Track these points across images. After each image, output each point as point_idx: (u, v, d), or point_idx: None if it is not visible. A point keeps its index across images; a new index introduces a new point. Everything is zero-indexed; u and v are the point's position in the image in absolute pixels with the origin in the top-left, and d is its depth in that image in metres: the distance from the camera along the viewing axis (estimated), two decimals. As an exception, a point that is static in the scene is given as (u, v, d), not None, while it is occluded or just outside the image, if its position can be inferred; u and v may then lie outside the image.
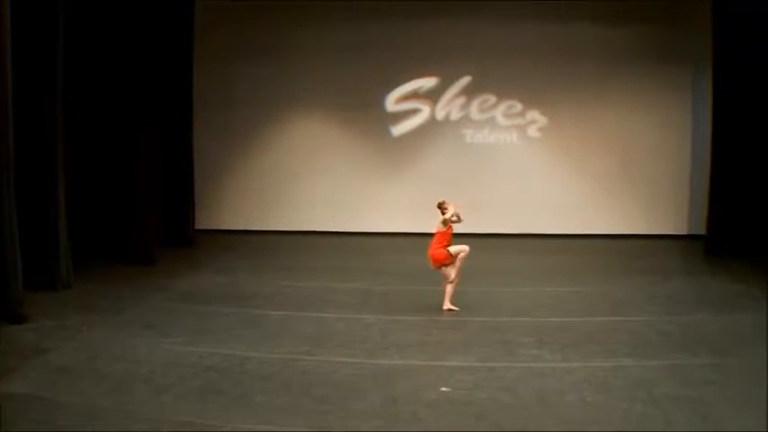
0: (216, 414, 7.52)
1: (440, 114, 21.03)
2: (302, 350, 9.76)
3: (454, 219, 11.98)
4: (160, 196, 17.04)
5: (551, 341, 10.18)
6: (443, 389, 8.27)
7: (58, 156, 13.13)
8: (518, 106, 20.90)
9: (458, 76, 20.91)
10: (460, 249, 11.85)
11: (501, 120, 20.93)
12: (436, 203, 12.20)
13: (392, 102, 21.08)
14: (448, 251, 11.79)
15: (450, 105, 20.97)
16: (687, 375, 8.71)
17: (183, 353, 9.54)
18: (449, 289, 11.88)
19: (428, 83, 20.99)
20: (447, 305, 11.85)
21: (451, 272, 11.83)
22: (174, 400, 7.86)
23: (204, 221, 20.13)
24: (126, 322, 11.16)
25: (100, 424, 7.22)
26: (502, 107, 20.91)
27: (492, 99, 20.90)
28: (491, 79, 20.77)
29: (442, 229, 11.92)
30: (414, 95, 21.04)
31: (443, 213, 11.97)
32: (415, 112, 21.05)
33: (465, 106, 20.95)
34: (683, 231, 20.47)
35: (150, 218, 16.38)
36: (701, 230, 18.82)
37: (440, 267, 11.90)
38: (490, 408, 7.72)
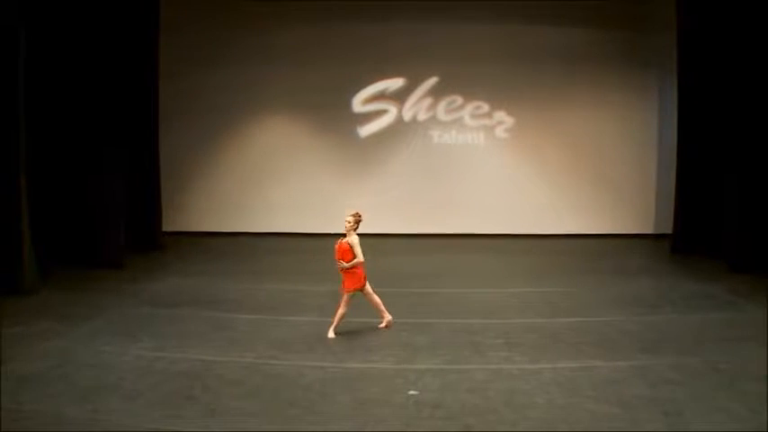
0: (185, 420, 7.50)
1: (407, 115, 21.04)
2: (271, 354, 9.75)
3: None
4: (127, 200, 16.78)
5: (520, 342, 10.24)
6: (412, 392, 8.31)
7: (20, 159, 13.01)
8: (485, 107, 20.94)
9: (425, 78, 20.92)
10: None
11: (468, 120, 20.97)
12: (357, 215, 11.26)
13: (359, 103, 21.04)
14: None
15: (417, 106, 20.98)
16: (653, 376, 8.79)
17: (152, 358, 9.49)
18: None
19: (395, 84, 20.99)
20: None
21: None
22: (144, 408, 7.82)
23: (172, 224, 19.95)
24: (94, 328, 11.05)
25: (67, 433, 7.18)
26: (469, 108, 20.94)
27: (459, 100, 20.93)
28: (458, 80, 20.79)
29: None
30: (381, 96, 21.02)
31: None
32: (382, 113, 21.04)
33: (432, 107, 20.97)
34: (649, 231, 20.58)
35: (117, 221, 16.16)
36: (668, 230, 18.90)
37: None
38: (459, 410, 7.77)
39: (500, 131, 20.99)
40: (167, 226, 19.59)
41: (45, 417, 7.56)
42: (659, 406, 7.87)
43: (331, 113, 20.91)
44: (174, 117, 20.04)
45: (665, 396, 8.15)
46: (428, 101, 20.96)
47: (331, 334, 10.60)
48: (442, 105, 20.97)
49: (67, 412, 7.70)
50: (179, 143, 20.49)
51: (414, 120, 21.05)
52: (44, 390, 8.33)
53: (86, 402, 7.97)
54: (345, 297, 10.69)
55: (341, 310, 10.66)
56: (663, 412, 7.70)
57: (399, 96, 21.02)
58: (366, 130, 21.12)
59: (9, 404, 7.81)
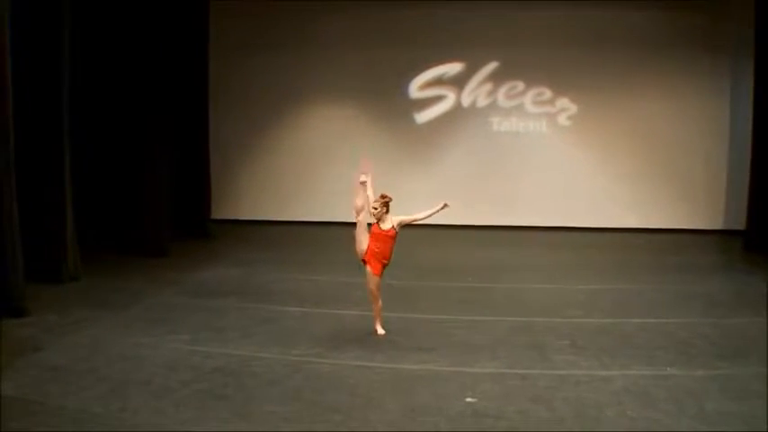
0: (215, 423, 6.89)
1: (466, 101, 20.29)
2: (315, 351, 9.10)
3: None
4: (174, 186, 16.50)
5: (587, 345, 9.43)
6: (469, 399, 7.55)
7: (64, 143, 12.70)
8: (547, 93, 20.06)
9: (484, 62, 20.13)
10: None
11: (529, 107, 20.13)
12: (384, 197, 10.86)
13: (416, 88, 20.36)
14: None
15: (476, 92, 20.21)
16: (736, 387, 7.91)
17: (187, 352, 8.95)
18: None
19: (453, 69, 20.24)
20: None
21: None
22: (173, 407, 7.23)
23: (220, 212, 19.56)
24: (132, 317, 10.61)
25: (88, 433, 6.67)
26: (530, 94, 20.09)
27: (520, 86, 20.09)
28: (519, 65, 19.97)
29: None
30: (438, 82, 20.31)
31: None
32: (439, 98, 20.33)
33: (492, 93, 20.16)
34: (718, 226, 19.56)
35: (163, 208, 15.84)
36: (738, 225, 18.06)
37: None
38: (523, 421, 7.01)
39: (563, 119, 20.10)
40: (216, 213, 19.14)
41: (69, 413, 7.06)
42: (745, 422, 7.01)
43: (387, 99, 20.27)
44: (224, 102, 19.68)
45: (750, 411, 7.26)
46: (488, 86, 20.16)
47: (380, 330, 9.90)
48: (502, 91, 20.14)
49: (93, 409, 7.18)
50: (229, 129, 20.09)
51: (473, 106, 20.29)
52: (72, 383, 7.83)
53: (114, 398, 7.45)
54: (373, 291, 9.94)
55: (377, 305, 9.96)
56: (749, 429, 6.85)
57: (458, 82, 20.27)
58: (423, 117, 20.44)
59: (35, 398, 7.37)
